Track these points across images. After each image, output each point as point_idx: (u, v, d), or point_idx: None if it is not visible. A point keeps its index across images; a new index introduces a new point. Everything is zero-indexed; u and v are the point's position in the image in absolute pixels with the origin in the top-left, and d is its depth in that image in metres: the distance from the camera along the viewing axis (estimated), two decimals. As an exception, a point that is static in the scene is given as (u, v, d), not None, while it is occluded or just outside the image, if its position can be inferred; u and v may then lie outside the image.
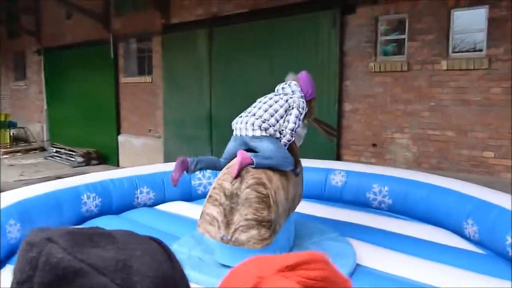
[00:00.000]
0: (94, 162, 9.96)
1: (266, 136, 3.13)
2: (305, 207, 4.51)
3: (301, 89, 3.43)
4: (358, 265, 3.07)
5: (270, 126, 3.15)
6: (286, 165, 3.18)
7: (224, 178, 2.95)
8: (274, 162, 3.05)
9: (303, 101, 3.30)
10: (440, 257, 3.17)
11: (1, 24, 13.79)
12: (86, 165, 9.78)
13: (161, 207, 4.74)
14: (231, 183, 2.87)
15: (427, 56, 5.19)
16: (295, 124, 3.21)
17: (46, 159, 10.88)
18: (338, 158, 6.09)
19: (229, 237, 2.77)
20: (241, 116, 3.28)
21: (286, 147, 3.19)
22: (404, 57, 5.45)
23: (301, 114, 3.24)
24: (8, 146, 11.97)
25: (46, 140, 12.22)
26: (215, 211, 2.84)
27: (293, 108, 3.23)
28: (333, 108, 6.02)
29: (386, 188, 4.48)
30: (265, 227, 2.76)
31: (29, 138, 12.65)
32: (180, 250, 3.22)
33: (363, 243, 3.47)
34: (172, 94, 8.37)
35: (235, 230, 2.76)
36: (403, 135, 5.52)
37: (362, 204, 4.66)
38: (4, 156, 11.30)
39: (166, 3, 8.32)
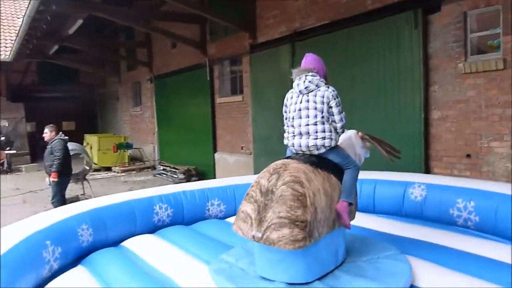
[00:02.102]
0: (194, 178, 10.58)
1: (328, 149, 3.08)
2: (378, 223, 4.18)
3: (319, 74, 3.17)
4: (413, 286, 2.70)
5: (325, 135, 3.04)
6: (356, 163, 3.27)
7: (262, 176, 2.88)
8: (353, 170, 3.15)
9: (332, 90, 3.11)
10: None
11: (123, 59, 15.81)
12: (187, 181, 10.44)
13: (232, 219, 4.80)
14: (267, 180, 2.80)
15: (527, 50, 4.46)
16: (342, 120, 3.16)
17: (154, 176, 11.92)
18: (427, 171, 5.50)
19: (260, 235, 2.65)
20: (293, 136, 3.14)
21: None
22: (499, 54, 4.76)
23: (340, 104, 3.14)
24: (126, 165, 13.42)
25: (157, 160, 13.42)
26: (249, 208, 2.76)
27: (331, 107, 3.07)
28: (418, 116, 5.49)
29: (472, 204, 3.89)
30: (298, 227, 2.58)
31: (143, 157, 14.03)
32: (227, 260, 3.20)
33: (429, 264, 3.04)
34: (260, 111, 8.55)
35: (267, 228, 2.64)
36: (502, 144, 4.77)
37: (445, 222, 4.13)
38: (122, 174, 12.70)
39: (253, 24, 8.61)
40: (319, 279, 2.78)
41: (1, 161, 14.06)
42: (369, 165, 5.93)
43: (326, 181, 2.94)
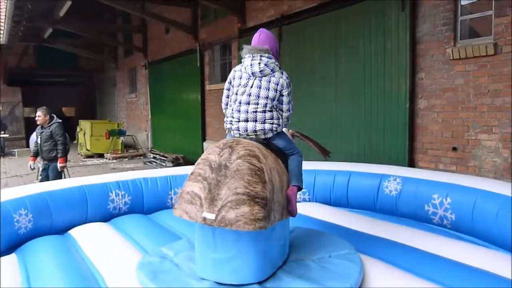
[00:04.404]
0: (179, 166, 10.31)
1: (275, 134, 2.83)
2: (345, 218, 3.85)
3: (273, 55, 2.86)
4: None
5: (274, 120, 2.79)
6: (299, 150, 2.98)
7: (210, 152, 2.47)
8: (297, 156, 2.91)
9: (287, 77, 2.83)
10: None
11: (119, 44, 15.54)
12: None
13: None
14: (218, 155, 2.41)
15: (520, 34, 4.06)
16: (290, 111, 2.89)
17: (144, 164, 11.67)
18: (411, 165, 5.14)
19: (213, 217, 2.26)
20: (238, 121, 2.79)
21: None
22: (490, 38, 4.36)
23: (291, 93, 2.87)
24: (119, 152, 13.20)
25: (150, 147, 13.18)
26: (197, 188, 2.33)
27: (282, 95, 2.81)
28: (404, 105, 5.12)
29: (448, 200, 3.53)
30: (258, 204, 2.24)
31: (136, 145, 13.80)
32: (164, 253, 2.90)
33: (385, 265, 2.71)
34: (247, 99, 8.21)
35: (222, 206, 2.26)
36: (491, 136, 4.39)
37: (420, 219, 3.78)
38: (113, 161, 12.48)
39: (242, 8, 8.26)
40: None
41: (-6, 145, 13.96)
42: (349, 156, 5.64)
43: (277, 163, 2.64)
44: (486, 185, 3.39)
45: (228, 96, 2.90)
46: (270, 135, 2.78)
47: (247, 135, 2.77)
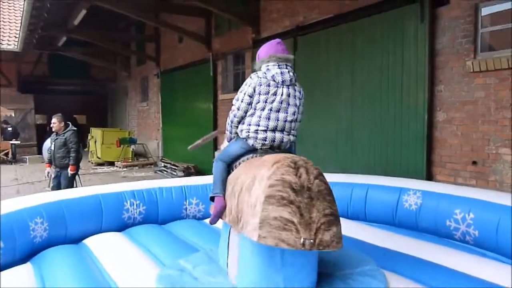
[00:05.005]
0: (192, 176, 10.27)
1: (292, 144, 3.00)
2: (365, 233, 3.77)
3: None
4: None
5: (295, 132, 2.96)
6: None
7: (283, 172, 2.30)
8: None
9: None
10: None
11: (132, 53, 15.67)
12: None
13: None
14: (296, 175, 2.31)
15: (544, 47, 3.99)
16: (300, 121, 2.99)
17: (155, 173, 11.67)
18: (429, 178, 5.05)
19: (312, 241, 2.22)
20: (265, 130, 2.74)
21: None
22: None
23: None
24: (129, 161, 13.21)
25: (160, 156, 13.19)
26: (285, 213, 2.21)
27: (301, 105, 2.91)
28: (422, 117, 5.05)
29: (471, 215, 3.44)
30: (339, 222, 2.36)
31: (147, 153, 13.82)
32: (182, 265, 2.85)
33: (411, 283, 2.63)
34: (260, 109, 8.19)
35: (317, 229, 2.24)
36: (513, 151, 4.30)
37: (441, 235, 3.69)
38: (124, 168, 12.50)
39: (257, 18, 8.27)
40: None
41: (6, 151, 14.05)
42: (364, 168, 5.56)
43: None
44: (510, 200, 3.29)
45: (249, 103, 2.76)
46: (288, 146, 2.77)
47: (271, 147, 2.73)
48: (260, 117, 2.74)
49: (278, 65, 2.80)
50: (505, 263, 3.04)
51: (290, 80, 2.77)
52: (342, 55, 6.18)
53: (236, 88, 9.50)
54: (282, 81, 2.76)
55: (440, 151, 5.01)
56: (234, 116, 2.81)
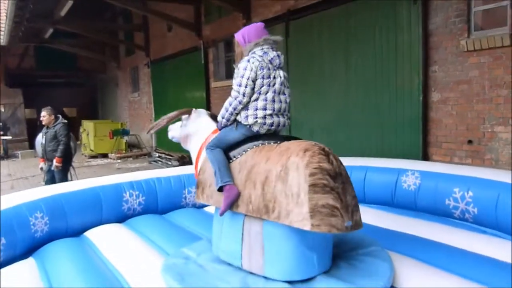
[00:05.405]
0: (187, 165, 10.24)
1: None
2: (365, 214, 3.79)
3: None
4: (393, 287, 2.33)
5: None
6: None
7: (319, 160, 2.35)
8: None
9: None
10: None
11: (121, 43, 15.45)
12: (181, 169, 10.11)
13: (210, 208, 4.46)
14: (329, 162, 2.38)
15: (537, 24, 4.00)
16: None
17: (150, 163, 11.62)
18: (425, 158, 5.09)
19: (351, 223, 2.32)
20: (271, 115, 2.71)
21: None
22: (506, 29, 4.29)
23: None
24: (123, 152, 13.14)
25: (154, 146, 13.12)
26: (330, 199, 2.28)
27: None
28: (416, 98, 5.06)
29: (470, 194, 3.48)
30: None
31: (140, 144, 13.74)
32: (186, 254, 2.86)
33: (415, 262, 2.66)
34: (254, 96, 8.14)
35: (352, 212, 2.36)
36: (507, 128, 4.33)
37: (441, 213, 3.74)
38: (118, 160, 12.43)
39: (248, 3, 8.18)
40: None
41: (-3, 147, 13.90)
42: (361, 152, 5.59)
43: None
44: (509, 177, 3.33)
45: (253, 88, 2.67)
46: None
47: (275, 131, 2.72)
48: (266, 100, 2.68)
49: (272, 48, 2.77)
50: (505, 239, 3.09)
51: (281, 63, 2.77)
52: (335, 39, 6.15)
53: (229, 76, 9.43)
54: (279, 64, 2.75)
55: (435, 131, 5.04)
56: (240, 103, 2.66)
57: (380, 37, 5.44)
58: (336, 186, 2.32)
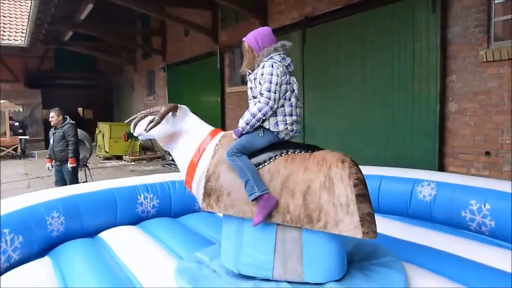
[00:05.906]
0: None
1: None
2: (380, 224, 3.75)
3: None
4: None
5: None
6: None
7: (356, 171, 2.47)
8: None
9: None
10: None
11: (138, 47, 15.65)
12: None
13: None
14: (361, 172, 2.52)
15: (559, 35, 3.93)
16: None
17: (163, 166, 11.72)
18: (441, 169, 5.02)
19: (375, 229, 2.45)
20: (297, 120, 2.72)
21: None
22: (526, 40, 4.24)
23: None
24: (137, 154, 13.26)
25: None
26: (370, 208, 2.44)
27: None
28: (433, 108, 5.01)
29: (487, 206, 3.43)
30: None
31: (154, 147, 13.86)
32: (200, 258, 2.87)
33: (429, 273, 2.63)
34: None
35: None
36: (527, 141, 4.26)
37: (456, 226, 3.68)
38: (131, 163, 12.55)
39: (264, 10, 8.22)
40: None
41: (15, 146, 14.14)
42: (376, 160, 5.54)
43: None
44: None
45: (282, 96, 2.62)
46: None
47: (290, 137, 2.72)
48: (291, 106, 2.65)
49: (286, 55, 2.76)
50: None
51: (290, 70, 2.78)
52: (352, 47, 6.14)
53: (244, 82, 9.48)
54: (290, 71, 2.76)
55: (452, 142, 4.98)
56: (271, 109, 2.55)
57: (397, 46, 5.41)
58: (368, 194, 2.46)
